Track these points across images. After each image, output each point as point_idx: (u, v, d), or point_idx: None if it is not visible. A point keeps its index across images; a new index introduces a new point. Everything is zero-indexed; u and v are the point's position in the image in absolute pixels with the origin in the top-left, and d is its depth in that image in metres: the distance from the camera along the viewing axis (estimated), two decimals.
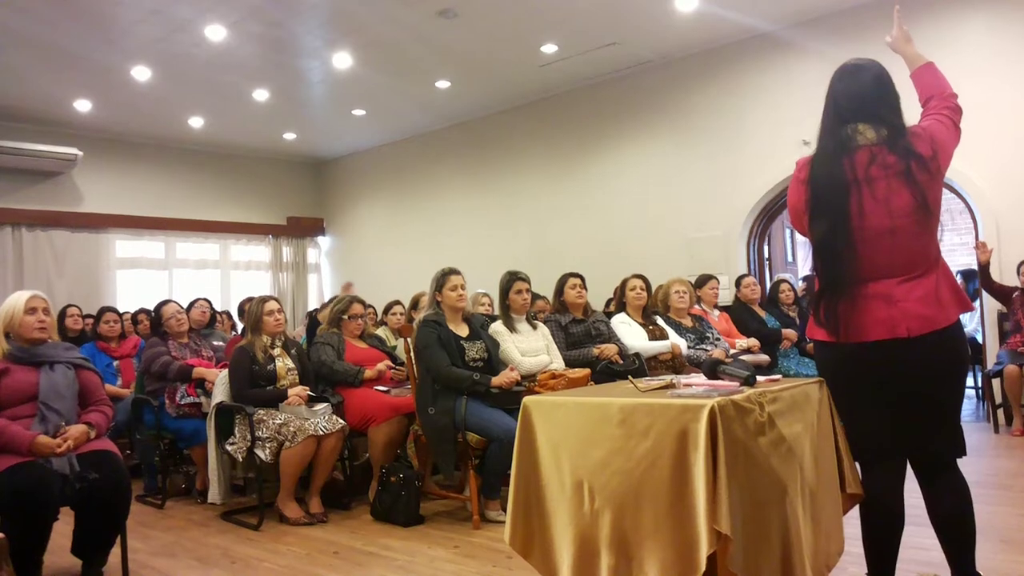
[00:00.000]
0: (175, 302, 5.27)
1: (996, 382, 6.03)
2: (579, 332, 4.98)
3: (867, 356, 2.33)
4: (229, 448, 4.29)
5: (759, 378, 2.42)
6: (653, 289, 5.71)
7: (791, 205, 2.49)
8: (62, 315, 6.39)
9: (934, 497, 2.39)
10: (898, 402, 2.36)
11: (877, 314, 2.30)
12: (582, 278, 5.12)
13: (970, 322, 7.59)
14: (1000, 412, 6.03)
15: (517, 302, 4.68)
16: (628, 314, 5.32)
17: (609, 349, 4.85)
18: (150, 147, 10.29)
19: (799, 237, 15.21)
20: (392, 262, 10.83)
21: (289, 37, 7.07)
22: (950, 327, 2.30)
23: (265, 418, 4.24)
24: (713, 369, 2.51)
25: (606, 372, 4.66)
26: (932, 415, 2.36)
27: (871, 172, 2.31)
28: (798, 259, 14.34)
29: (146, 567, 3.59)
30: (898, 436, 2.40)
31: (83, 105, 8.65)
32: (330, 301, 6.43)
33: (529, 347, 4.59)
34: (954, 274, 2.48)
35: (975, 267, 6.26)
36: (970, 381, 8.01)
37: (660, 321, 5.39)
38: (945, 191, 7.20)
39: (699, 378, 2.62)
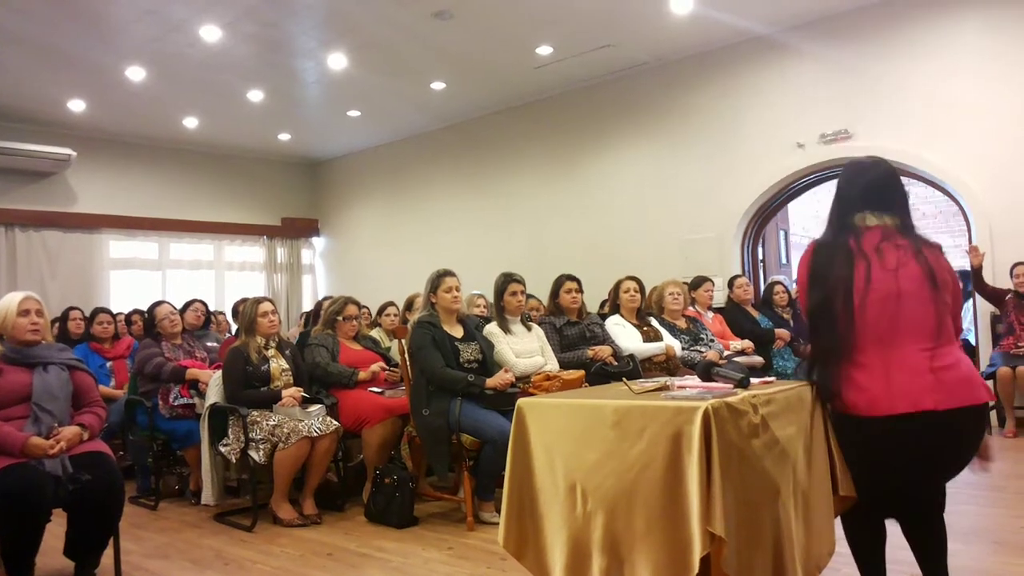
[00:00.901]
0: (168, 303, 5.25)
1: (989, 384, 6.05)
2: (573, 334, 4.98)
3: (895, 429, 2.21)
4: (223, 449, 4.28)
5: (753, 380, 2.43)
6: (647, 290, 5.72)
7: (800, 282, 2.48)
8: (64, 318, 6.36)
9: (913, 526, 2.45)
10: (913, 471, 2.31)
11: (910, 385, 2.20)
12: (578, 281, 5.12)
13: (963, 323, 7.61)
14: (993, 414, 6.05)
15: (512, 304, 4.68)
16: (622, 315, 5.33)
17: (603, 351, 4.85)
18: (144, 147, 10.26)
19: (793, 239, 15.24)
20: (387, 263, 10.82)
21: (284, 38, 7.06)
22: (980, 406, 2.24)
23: (259, 419, 4.23)
24: (707, 371, 2.51)
25: (600, 374, 4.66)
26: (937, 482, 2.41)
27: (882, 246, 2.31)
28: (792, 261, 14.39)
29: (139, 569, 3.58)
30: (900, 495, 2.42)
31: (77, 105, 8.62)
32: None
33: (524, 349, 4.59)
34: None
35: (967, 269, 6.29)
36: None
37: (654, 322, 5.40)
38: (939, 193, 7.26)
39: (693, 380, 2.63)
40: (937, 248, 2.37)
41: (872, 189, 2.41)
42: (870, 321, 2.25)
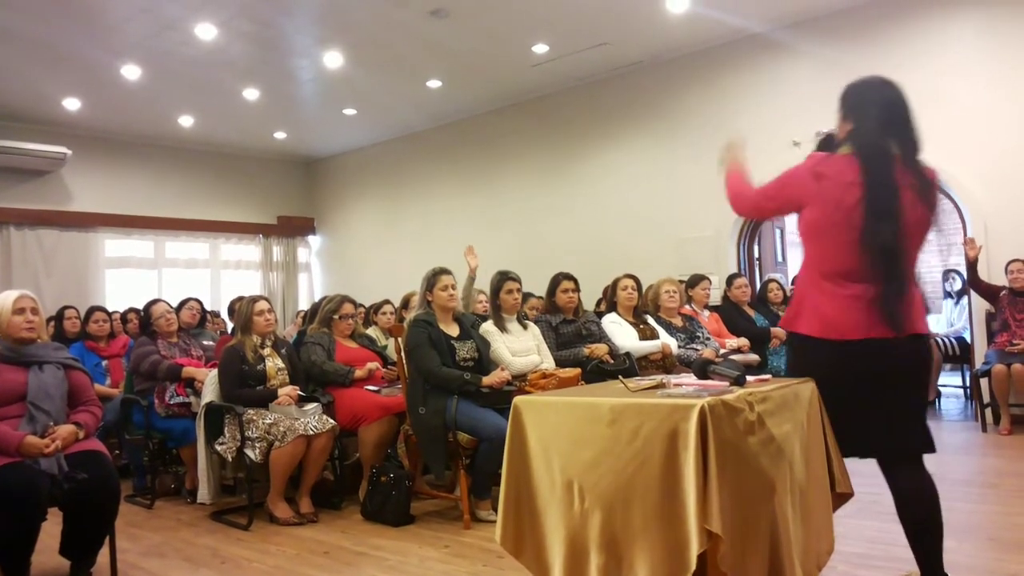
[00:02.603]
0: (164, 301, 5.24)
1: (984, 382, 6.07)
2: (569, 332, 4.98)
3: (865, 351, 2.41)
4: (219, 448, 4.28)
5: (749, 378, 2.43)
6: (643, 289, 5.72)
7: (788, 193, 2.55)
8: (60, 317, 6.33)
9: (905, 500, 2.46)
10: (886, 397, 2.44)
11: (901, 311, 2.41)
12: (575, 280, 5.12)
13: (958, 320, 7.64)
14: (988, 411, 6.06)
15: (508, 302, 4.69)
16: (619, 313, 5.33)
17: (599, 349, 4.85)
18: (140, 146, 10.24)
19: (789, 237, 15.25)
20: (383, 262, 10.81)
21: (280, 36, 7.05)
22: (928, 333, 2.53)
23: (255, 418, 4.23)
24: (703, 369, 2.51)
25: (597, 372, 4.66)
26: (915, 411, 2.50)
27: (903, 183, 2.41)
28: (788, 259, 14.40)
29: (135, 567, 3.57)
30: (883, 434, 2.47)
31: (72, 103, 8.60)
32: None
33: (520, 347, 4.59)
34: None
35: (962, 268, 6.31)
36: (958, 380, 8.06)
37: (651, 321, 5.40)
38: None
39: (689, 378, 2.63)
40: (932, 186, 2.48)
41: (899, 111, 2.48)
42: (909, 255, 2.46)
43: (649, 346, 5.12)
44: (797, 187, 2.52)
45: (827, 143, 2.69)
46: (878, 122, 2.46)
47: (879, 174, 2.41)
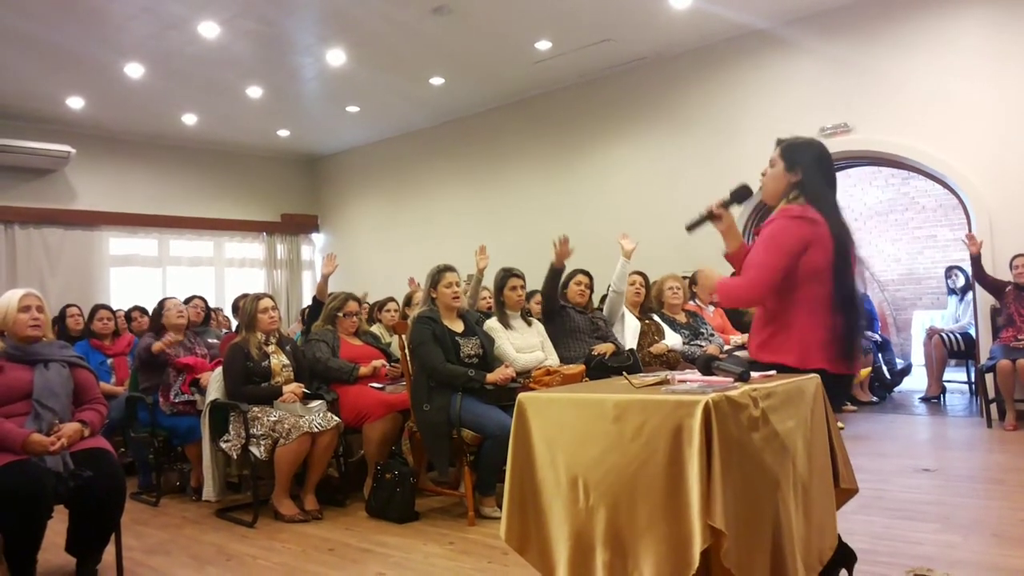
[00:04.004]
0: (177, 299, 5.32)
1: (989, 377, 6.05)
2: (582, 322, 4.99)
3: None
4: (224, 445, 4.29)
5: (753, 374, 2.43)
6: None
7: (790, 248, 2.60)
8: (62, 315, 6.35)
9: None
10: None
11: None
12: (590, 276, 5.13)
13: (963, 316, 7.62)
14: (993, 407, 6.05)
15: (511, 298, 4.69)
16: (625, 307, 5.34)
17: (606, 348, 4.85)
18: (143, 144, 10.25)
19: None
20: (386, 259, 10.81)
21: (283, 34, 7.05)
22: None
23: (260, 415, 4.24)
24: (707, 365, 2.51)
25: (601, 368, 4.67)
26: None
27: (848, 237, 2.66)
28: None
29: (141, 565, 3.59)
30: None
31: (76, 102, 8.61)
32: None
33: (524, 344, 4.59)
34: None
35: (965, 265, 6.30)
36: (963, 376, 8.05)
37: (656, 318, 5.41)
38: (939, 186, 7.27)
39: (693, 374, 2.63)
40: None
41: (827, 165, 2.74)
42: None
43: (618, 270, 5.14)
44: (798, 237, 2.60)
45: (740, 194, 3.09)
46: (821, 175, 2.71)
47: (840, 221, 2.64)
